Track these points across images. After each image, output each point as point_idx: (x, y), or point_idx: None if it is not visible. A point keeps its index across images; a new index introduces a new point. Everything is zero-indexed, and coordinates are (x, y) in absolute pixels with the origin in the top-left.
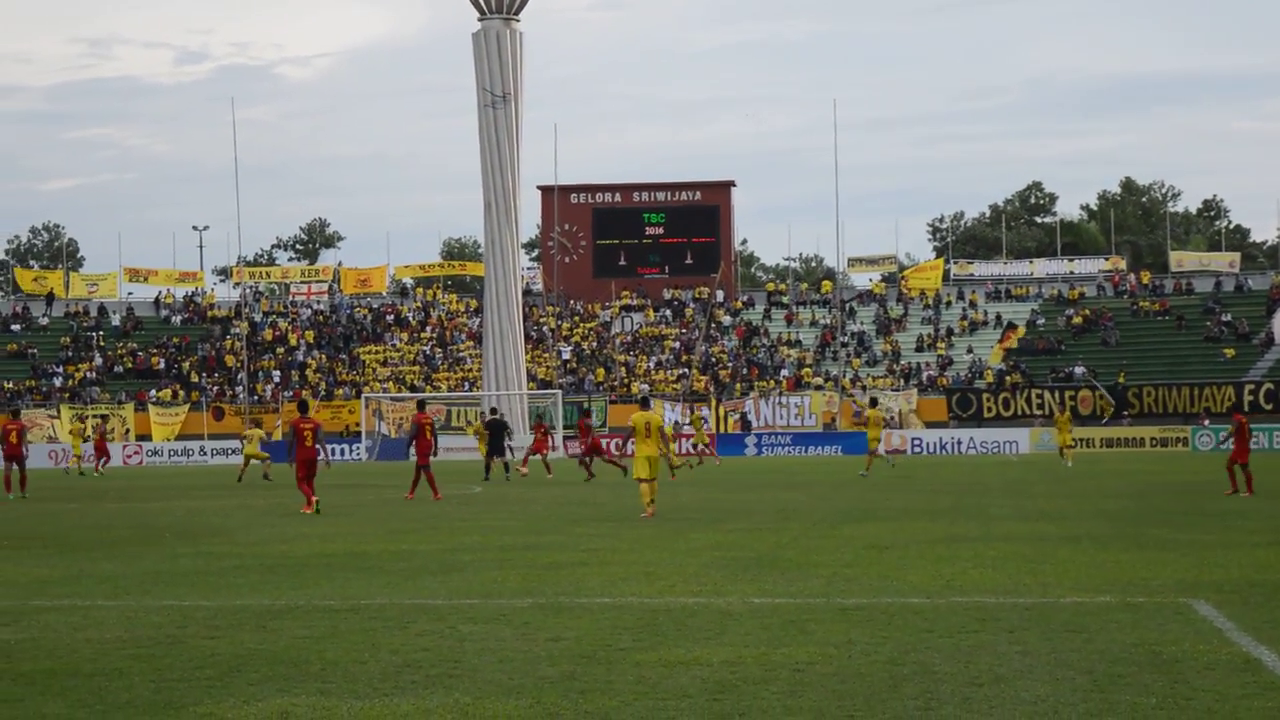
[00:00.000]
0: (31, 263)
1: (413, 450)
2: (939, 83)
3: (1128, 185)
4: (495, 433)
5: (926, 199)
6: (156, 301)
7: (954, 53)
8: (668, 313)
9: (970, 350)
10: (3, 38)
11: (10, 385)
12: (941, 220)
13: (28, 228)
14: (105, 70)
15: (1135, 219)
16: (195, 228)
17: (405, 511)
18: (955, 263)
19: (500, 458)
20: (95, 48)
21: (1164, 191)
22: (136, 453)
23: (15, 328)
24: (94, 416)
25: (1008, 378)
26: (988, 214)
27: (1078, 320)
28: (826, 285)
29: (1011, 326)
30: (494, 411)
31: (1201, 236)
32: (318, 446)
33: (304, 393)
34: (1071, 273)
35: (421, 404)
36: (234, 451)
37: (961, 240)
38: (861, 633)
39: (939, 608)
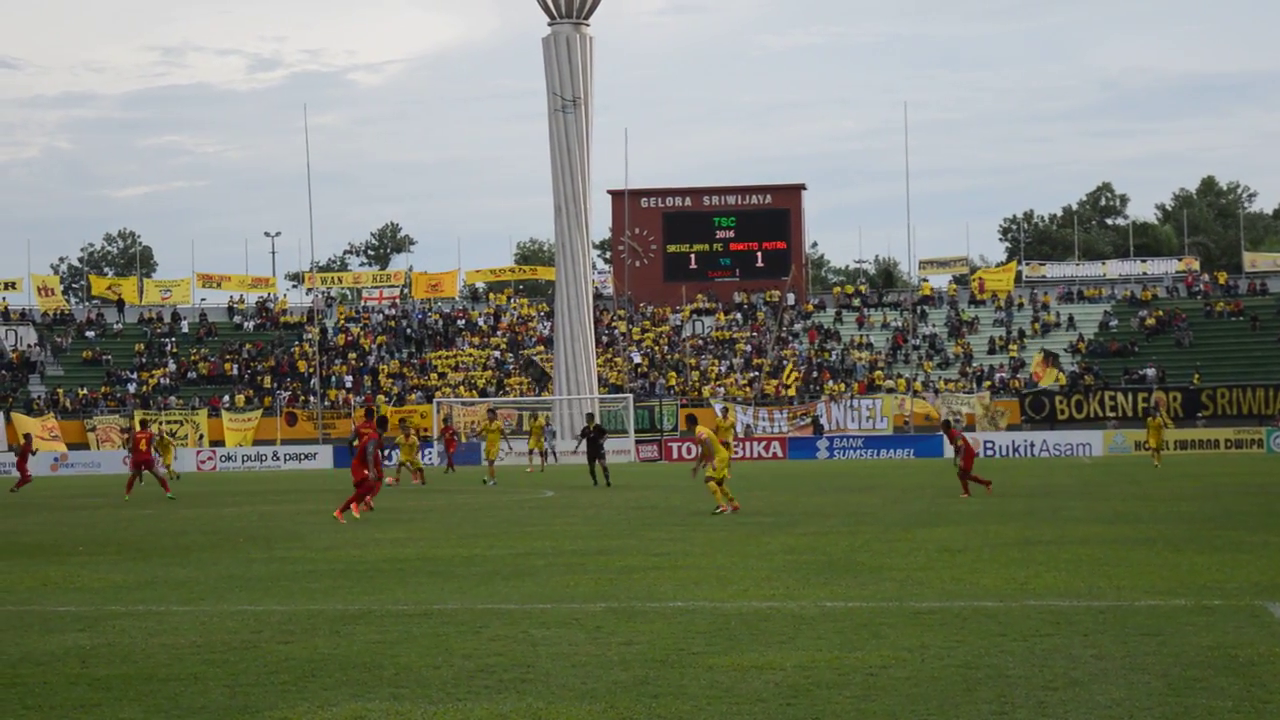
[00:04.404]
0: (106, 270)
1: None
2: (1009, 84)
3: (1208, 185)
4: (594, 438)
5: (997, 201)
6: (229, 307)
7: (1024, 54)
8: (738, 316)
9: (1043, 352)
10: (77, 47)
11: (85, 391)
12: (1013, 221)
13: (102, 235)
14: (178, 78)
15: (1209, 220)
16: (268, 234)
17: (477, 516)
18: (1027, 264)
19: (600, 461)
20: (168, 56)
21: (1239, 192)
22: (210, 458)
23: (90, 334)
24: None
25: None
26: (1059, 215)
27: (1150, 322)
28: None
29: (1053, 358)
30: (590, 418)
31: (1278, 238)
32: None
33: (378, 398)
34: (1144, 274)
35: (369, 412)
36: (306, 457)
37: (1035, 242)
38: (935, 636)
39: (1012, 611)
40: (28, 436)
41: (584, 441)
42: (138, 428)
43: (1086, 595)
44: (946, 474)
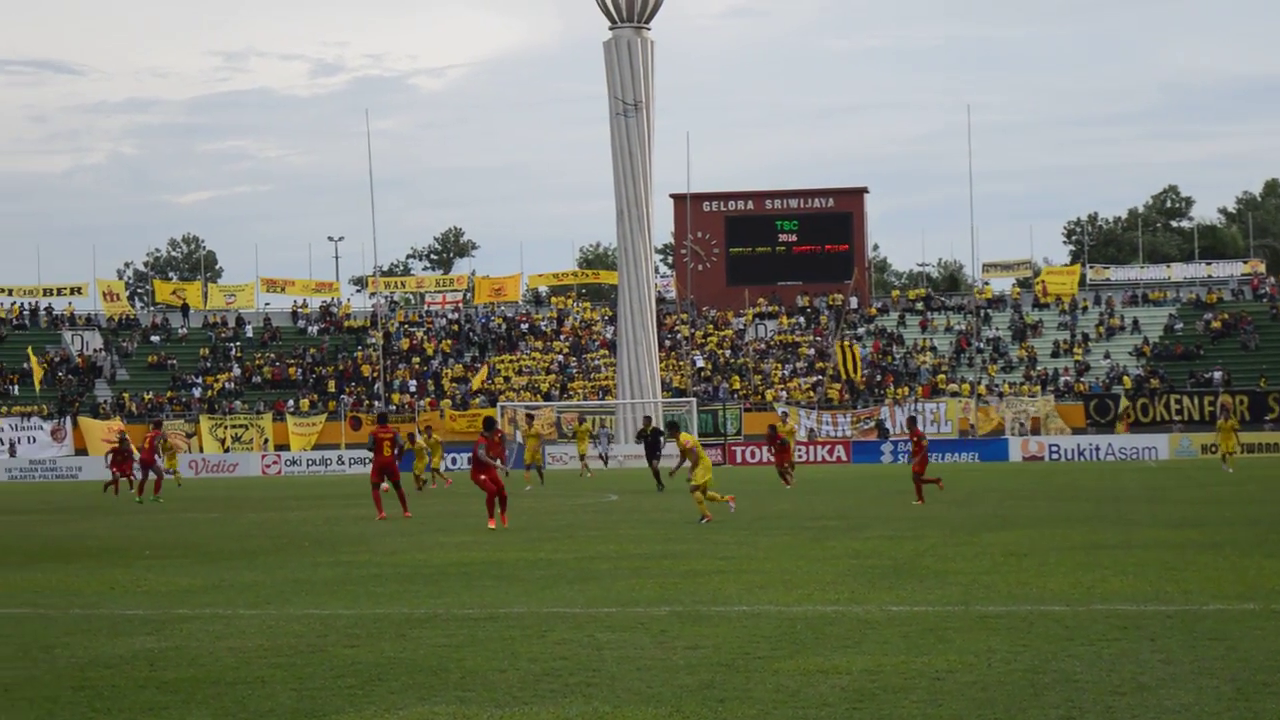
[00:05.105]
0: (170, 274)
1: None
2: (1072, 86)
3: (1271, 187)
4: (652, 441)
5: (1061, 203)
6: (293, 312)
7: (1086, 56)
8: (801, 320)
9: (1107, 355)
10: (140, 52)
11: (150, 396)
12: (1077, 224)
13: (166, 240)
14: (241, 83)
15: (1275, 222)
16: (331, 238)
17: (541, 520)
18: (1091, 268)
19: (654, 463)
20: (231, 61)
21: None
22: (275, 462)
23: (155, 339)
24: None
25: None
26: (1124, 218)
27: (1216, 325)
28: (978, 293)
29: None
30: (647, 421)
31: None
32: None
33: (441, 401)
34: (1209, 276)
35: (382, 417)
36: (370, 461)
37: (1100, 244)
38: (1001, 641)
39: (1079, 615)
40: (123, 437)
41: (642, 444)
42: (143, 430)
43: (1153, 600)
44: (1013, 477)
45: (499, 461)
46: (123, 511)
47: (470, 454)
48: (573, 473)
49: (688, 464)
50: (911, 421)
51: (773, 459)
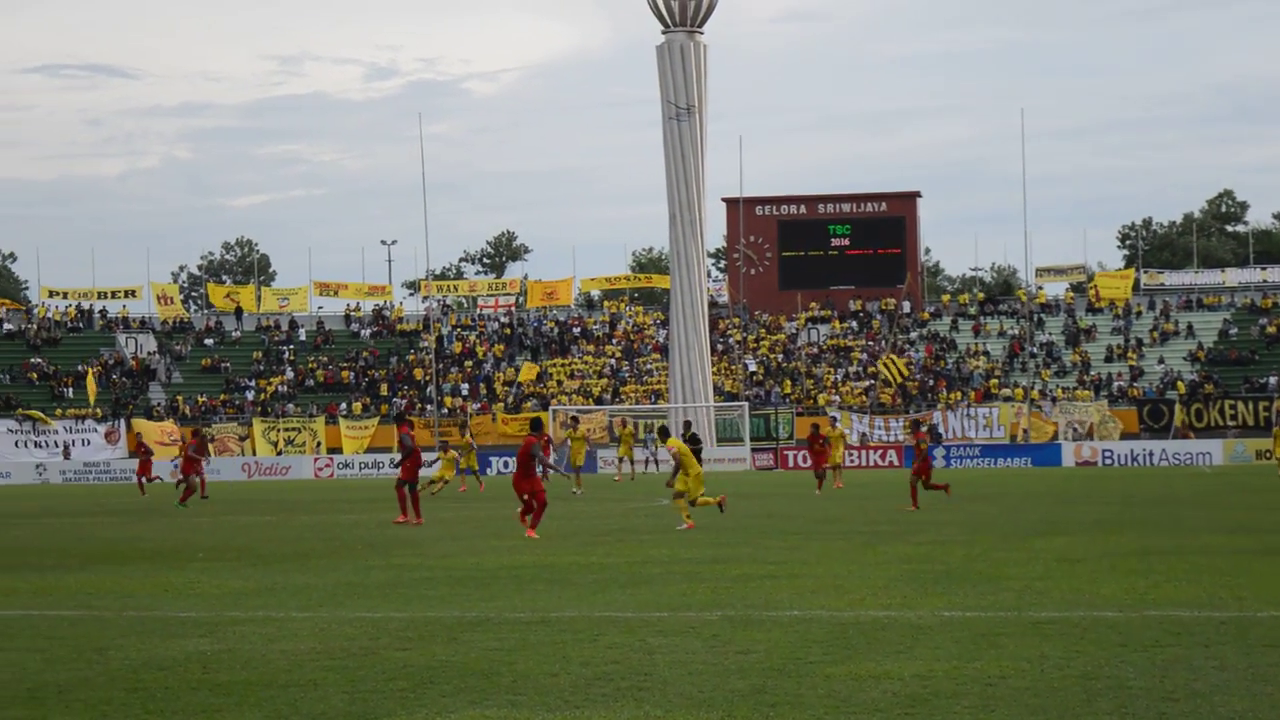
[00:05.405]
0: (224, 278)
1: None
2: (1125, 90)
3: None
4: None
5: (1115, 208)
6: (346, 315)
7: (1141, 59)
8: (854, 324)
9: (1161, 361)
10: (195, 56)
11: (204, 399)
12: (1131, 228)
13: (220, 243)
14: (296, 87)
15: None
16: (384, 242)
17: (593, 524)
18: (1146, 272)
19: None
20: (286, 65)
21: None
22: (327, 465)
23: (209, 342)
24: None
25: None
26: (1179, 222)
27: (1271, 330)
28: (1020, 294)
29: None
30: (688, 425)
31: None
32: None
33: (493, 405)
34: (1265, 281)
35: (400, 417)
36: (423, 465)
37: (1154, 249)
38: (1054, 647)
39: (1132, 622)
40: (198, 439)
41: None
42: (188, 435)
43: (1208, 606)
44: (1066, 483)
45: (549, 469)
46: (175, 513)
47: (516, 456)
48: (625, 476)
49: (677, 471)
50: (915, 425)
51: (812, 461)
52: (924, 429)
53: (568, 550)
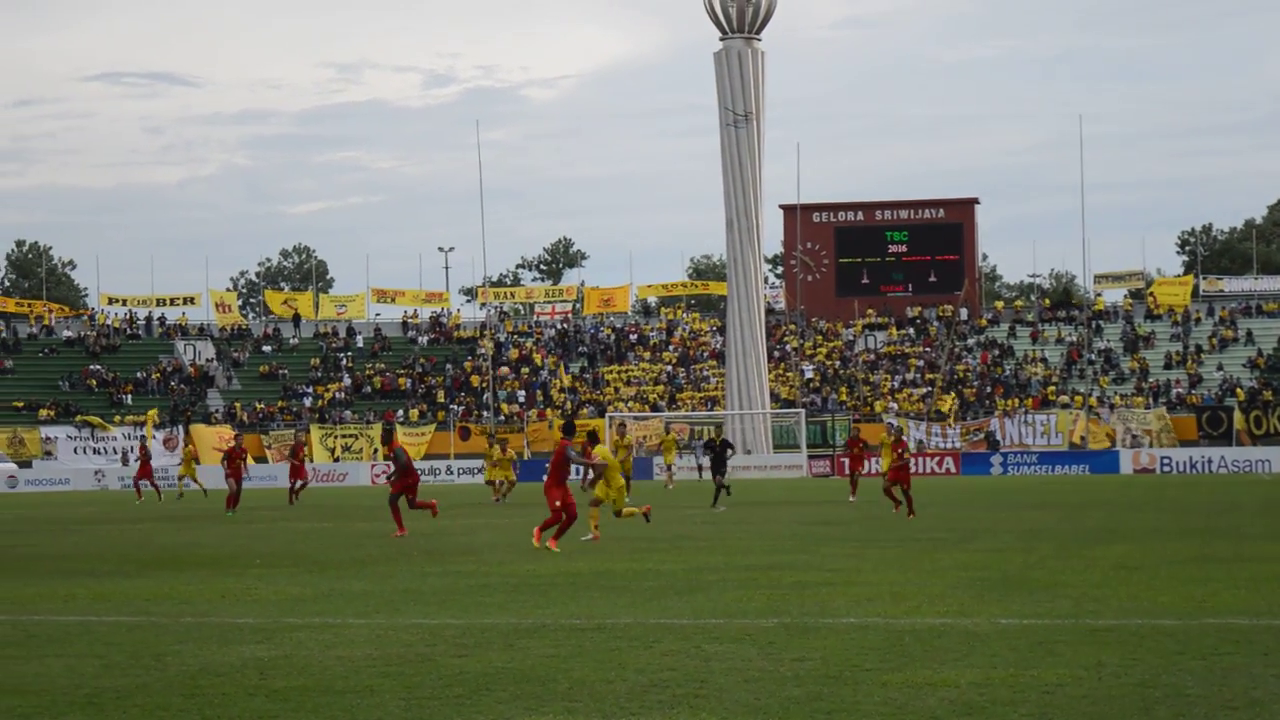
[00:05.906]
0: (282, 284)
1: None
2: (1186, 96)
3: None
4: (719, 454)
5: (1174, 214)
6: (403, 322)
7: (1201, 65)
8: (911, 331)
9: (1220, 368)
10: (255, 64)
11: (262, 405)
12: (1191, 234)
13: (278, 250)
14: (354, 94)
15: None
16: (441, 249)
17: (648, 531)
18: (1205, 278)
19: (718, 476)
20: (345, 72)
21: None
22: (384, 472)
23: (266, 348)
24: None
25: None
26: (1239, 228)
27: None
28: (1077, 301)
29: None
30: (718, 430)
31: None
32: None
33: (549, 411)
34: None
35: (388, 434)
36: (480, 471)
37: (1214, 255)
38: (1111, 654)
39: (1190, 629)
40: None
41: (709, 455)
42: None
43: (1267, 614)
44: (1124, 490)
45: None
46: (232, 520)
47: (549, 463)
48: (681, 484)
49: (592, 475)
50: (896, 432)
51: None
52: (905, 438)
53: (623, 556)
